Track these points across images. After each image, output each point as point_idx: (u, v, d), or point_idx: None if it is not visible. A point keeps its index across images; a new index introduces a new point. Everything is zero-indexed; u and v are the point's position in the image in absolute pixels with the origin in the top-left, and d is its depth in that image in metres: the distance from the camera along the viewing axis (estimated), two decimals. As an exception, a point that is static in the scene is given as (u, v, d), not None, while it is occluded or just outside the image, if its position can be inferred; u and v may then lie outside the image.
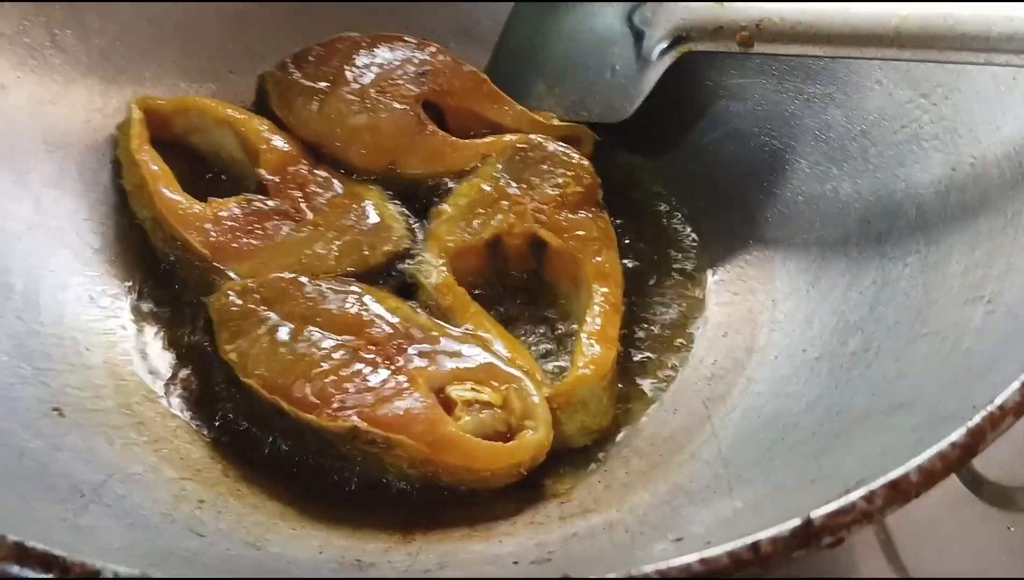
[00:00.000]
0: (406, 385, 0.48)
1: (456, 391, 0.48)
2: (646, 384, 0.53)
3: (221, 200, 0.56)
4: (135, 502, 0.44)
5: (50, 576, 0.29)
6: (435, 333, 0.51)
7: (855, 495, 0.32)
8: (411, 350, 0.49)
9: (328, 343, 0.49)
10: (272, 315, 0.50)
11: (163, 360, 0.53)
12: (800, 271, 0.54)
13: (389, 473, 0.47)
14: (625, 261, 0.56)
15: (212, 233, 0.54)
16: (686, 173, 0.61)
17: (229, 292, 0.51)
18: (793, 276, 0.55)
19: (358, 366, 0.48)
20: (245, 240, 0.55)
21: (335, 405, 0.47)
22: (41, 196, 0.55)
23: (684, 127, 0.62)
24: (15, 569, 0.29)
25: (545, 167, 0.57)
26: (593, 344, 0.51)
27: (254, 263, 0.54)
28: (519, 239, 0.55)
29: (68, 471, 0.43)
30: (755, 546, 0.30)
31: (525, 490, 0.49)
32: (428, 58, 0.61)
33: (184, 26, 0.62)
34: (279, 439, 0.49)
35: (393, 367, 0.49)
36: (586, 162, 0.57)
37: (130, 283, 0.55)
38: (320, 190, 0.57)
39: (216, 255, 0.54)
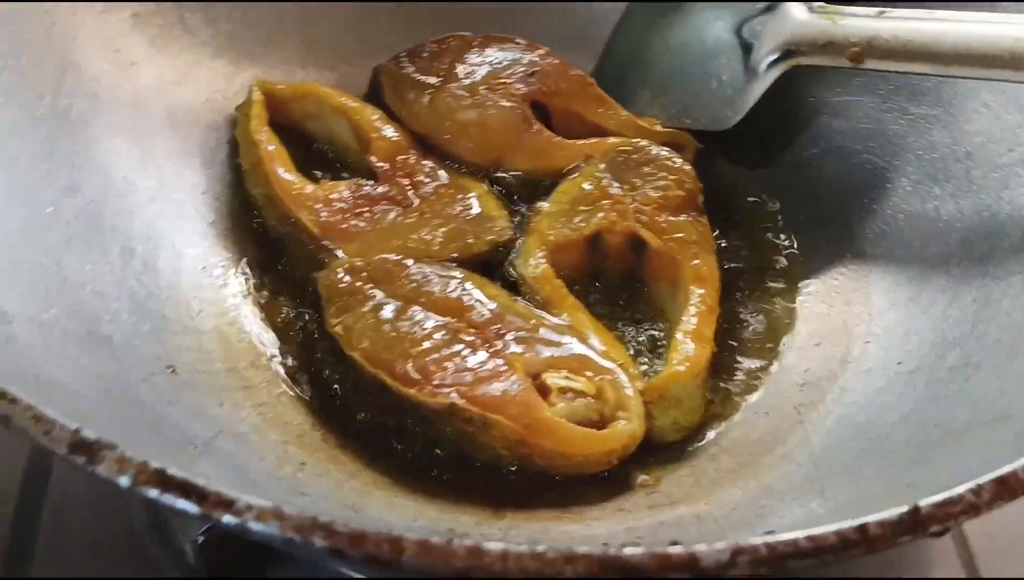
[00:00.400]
0: (504, 368, 0.49)
1: (552, 378, 0.49)
2: (737, 386, 0.54)
3: (332, 182, 0.58)
4: (242, 459, 0.46)
5: (187, 502, 0.30)
6: (533, 321, 0.52)
7: (963, 488, 0.32)
8: (509, 336, 0.51)
9: (430, 323, 0.51)
10: (378, 293, 0.52)
11: (269, 329, 0.55)
12: (898, 286, 0.55)
13: (483, 453, 0.49)
14: (722, 266, 0.57)
15: (323, 213, 0.56)
16: (786, 185, 0.62)
17: (338, 269, 0.53)
18: (891, 291, 0.55)
19: (458, 347, 0.50)
20: (353, 222, 0.56)
21: (435, 382, 0.48)
22: (164, 169, 0.57)
23: (786, 140, 0.63)
24: (155, 493, 0.31)
25: (648, 169, 0.58)
26: (688, 342, 0.52)
27: (361, 244, 0.56)
28: (620, 237, 0.56)
29: (181, 425, 0.45)
30: (863, 527, 0.31)
31: (613, 480, 0.49)
32: (537, 59, 0.63)
33: (307, 17, 0.65)
34: (378, 412, 0.50)
35: (492, 350, 0.50)
36: (688, 167, 0.59)
37: (241, 256, 0.57)
38: (427, 179, 0.59)
39: (325, 234, 0.56)
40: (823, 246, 0.59)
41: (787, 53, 0.59)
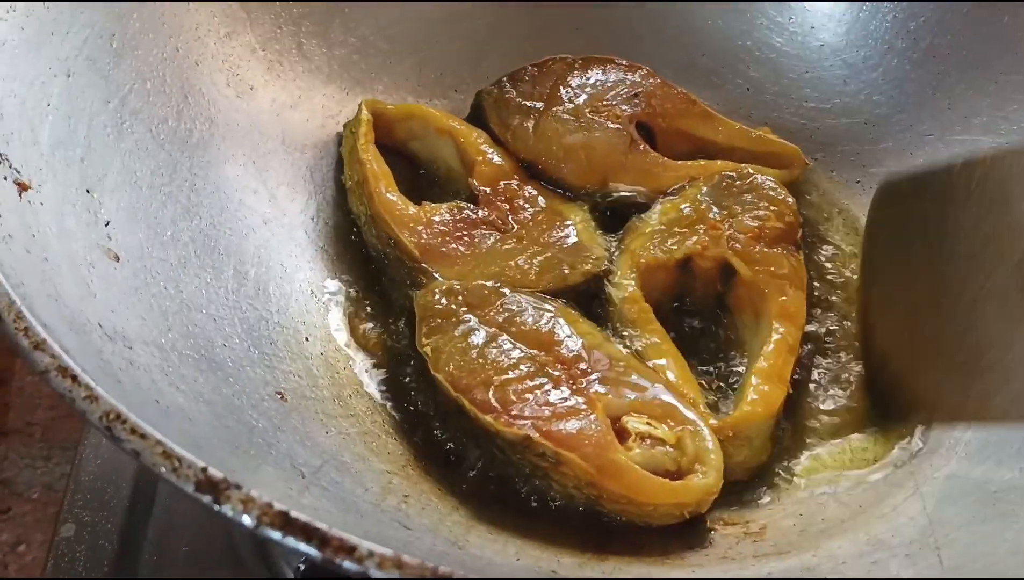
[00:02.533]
0: (584, 406, 0.49)
1: (632, 422, 0.49)
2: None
3: (434, 205, 0.59)
4: (348, 488, 0.46)
5: (309, 546, 0.31)
6: (623, 364, 0.51)
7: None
8: (595, 375, 0.50)
9: (517, 353, 0.51)
10: (471, 318, 0.53)
11: (373, 356, 0.55)
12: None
13: (554, 490, 0.48)
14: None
15: (424, 235, 0.57)
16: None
17: (436, 290, 0.54)
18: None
19: (541, 380, 0.50)
20: (453, 245, 0.57)
21: (513, 412, 0.48)
22: (277, 193, 0.59)
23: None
24: (278, 535, 0.31)
25: (749, 197, 0.58)
26: (764, 382, 0.51)
27: (460, 268, 0.56)
28: (710, 262, 0.56)
29: (290, 452, 0.46)
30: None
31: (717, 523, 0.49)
32: (639, 80, 0.63)
33: (419, 45, 0.66)
34: (457, 435, 0.51)
35: (575, 387, 0.50)
36: (791, 200, 0.58)
37: (348, 280, 0.58)
38: (527, 205, 0.59)
39: (425, 256, 0.56)
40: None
41: None
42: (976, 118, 0.61)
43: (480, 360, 0.51)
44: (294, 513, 0.31)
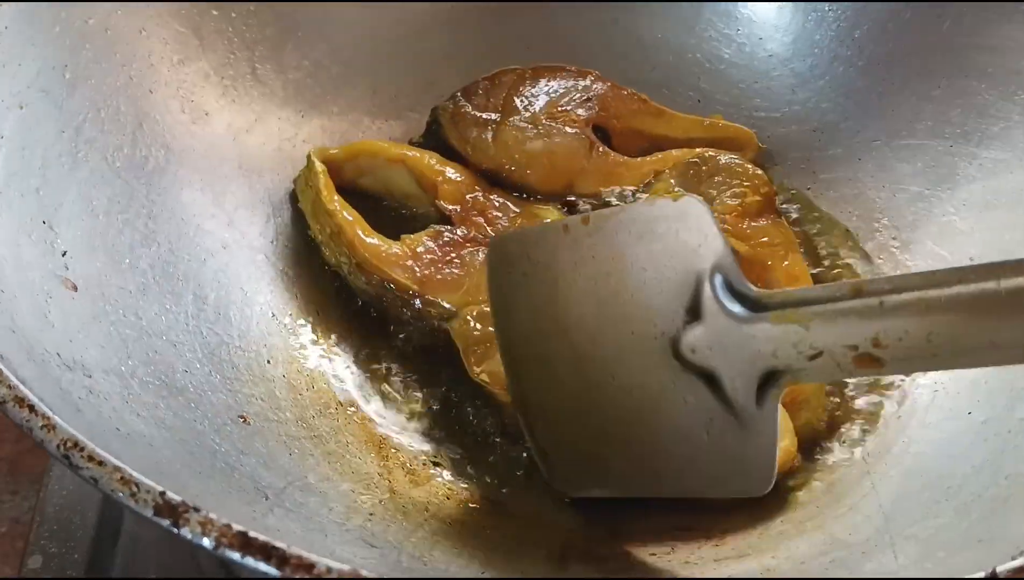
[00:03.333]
0: None
1: None
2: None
3: (412, 236, 0.59)
4: (312, 509, 0.46)
5: (268, 565, 0.31)
6: None
7: (1042, 554, 0.32)
8: None
9: None
10: None
11: (337, 377, 0.56)
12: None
13: None
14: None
15: (416, 269, 0.57)
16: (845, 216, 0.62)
17: (467, 318, 0.54)
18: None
19: None
20: (447, 270, 0.57)
21: None
22: (235, 216, 0.59)
23: (849, 173, 0.63)
24: (236, 556, 0.31)
25: (720, 179, 0.59)
26: None
27: (464, 290, 0.56)
28: None
29: (253, 475, 0.46)
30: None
31: (677, 531, 0.49)
32: (590, 84, 0.65)
33: (370, 67, 0.66)
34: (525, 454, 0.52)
35: None
36: (760, 171, 0.60)
37: (308, 302, 0.58)
38: (499, 213, 0.60)
39: (425, 288, 0.56)
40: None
41: (769, 378, 0.40)
42: (921, 123, 0.62)
43: None
44: (252, 533, 0.31)
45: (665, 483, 0.45)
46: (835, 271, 0.60)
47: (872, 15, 0.64)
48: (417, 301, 0.56)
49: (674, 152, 0.62)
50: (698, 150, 0.62)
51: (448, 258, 0.58)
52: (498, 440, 0.53)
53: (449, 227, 0.59)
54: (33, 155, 0.49)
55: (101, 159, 0.53)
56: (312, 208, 0.60)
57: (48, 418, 0.34)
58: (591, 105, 0.63)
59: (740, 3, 0.68)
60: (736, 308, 0.40)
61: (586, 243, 0.44)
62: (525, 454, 0.52)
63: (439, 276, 0.57)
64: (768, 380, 0.40)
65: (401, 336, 0.58)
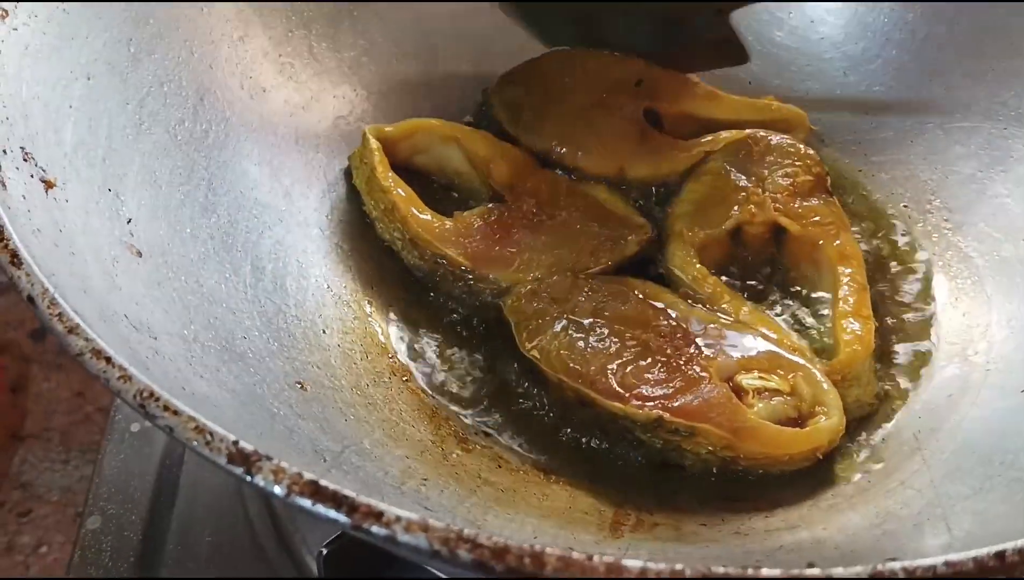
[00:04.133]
0: (701, 374, 0.50)
1: (746, 380, 0.50)
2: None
3: (466, 213, 0.59)
4: (369, 472, 0.47)
5: (339, 513, 0.32)
6: (714, 325, 0.53)
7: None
8: (697, 341, 0.52)
9: (619, 337, 0.52)
10: (564, 313, 0.53)
11: (390, 348, 0.56)
12: (1019, 313, 0.54)
13: (686, 458, 0.50)
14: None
15: (468, 245, 0.58)
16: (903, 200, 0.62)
17: (520, 296, 0.55)
18: (1012, 318, 0.54)
19: (653, 357, 0.51)
20: (499, 248, 0.58)
21: (638, 394, 0.49)
22: (291, 191, 0.60)
23: (903, 157, 0.63)
24: (308, 503, 0.32)
25: (771, 159, 0.59)
26: (852, 321, 0.53)
27: (516, 267, 0.57)
28: (761, 228, 0.58)
29: (312, 438, 0.47)
30: (1000, 554, 0.31)
31: (727, 501, 0.50)
32: (639, 68, 0.65)
33: (423, 47, 0.67)
34: (581, 429, 0.52)
35: (684, 357, 0.51)
36: (811, 151, 0.60)
37: (362, 275, 0.59)
38: (551, 194, 0.60)
39: (477, 264, 0.57)
40: (941, 272, 0.58)
41: None
42: (974, 104, 0.62)
43: (589, 351, 0.52)
44: (323, 482, 0.32)
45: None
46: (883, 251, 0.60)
47: (925, -3, 0.64)
48: (470, 277, 0.57)
49: (724, 133, 0.62)
50: (748, 131, 0.62)
51: (500, 236, 0.58)
52: (546, 413, 0.54)
53: (502, 205, 0.60)
54: (99, 125, 0.50)
55: (164, 131, 0.54)
56: (367, 185, 0.60)
57: (125, 370, 0.35)
58: (641, 89, 0.64)
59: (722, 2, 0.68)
60: None
61: None
62: (570, 429, 0.53)
63: (491, 253, 0.58)
64: None
65: (453, 311, 0.58)
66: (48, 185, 0.45)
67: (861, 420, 0.53)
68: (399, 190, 0.59)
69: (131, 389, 0.34)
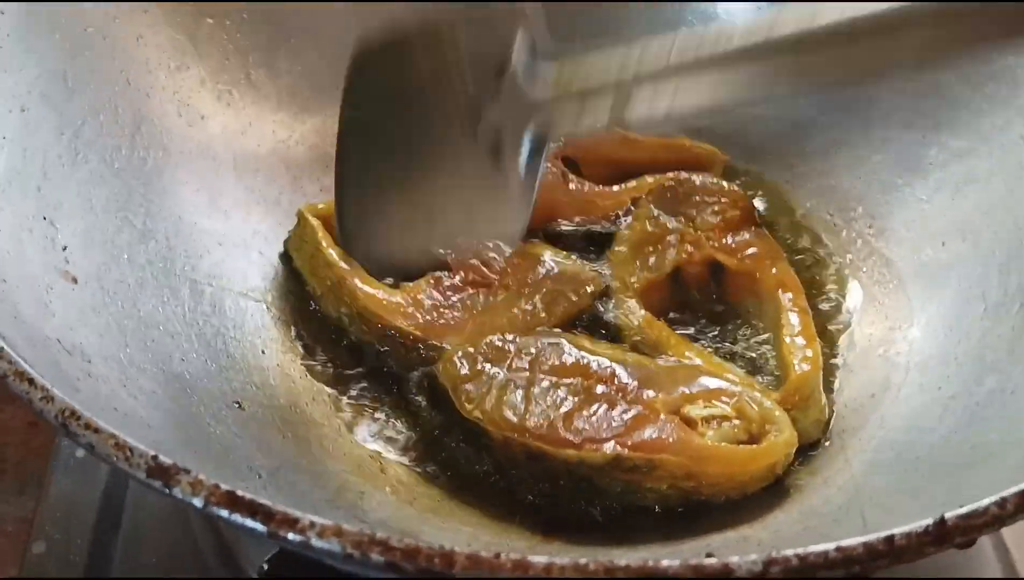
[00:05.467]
0: (647, 412, 0.50)
1: (693, 410, 0.51)
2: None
3: (412, 284, 0.58)
4: (304, 488, 0.48)
5: (255, 522, 0.33)
6: (652, 366, 0.54)
7: (988, 500, 0.33)
8: (637, 382, 0.52)
9: (562, 387, 0.52)
10: (500, 372, 0.53)
11: (328, 365, 0.57)
12: (939, 315, 0.56)
13: (647, 497, 0.50)
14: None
15: (419, 316, 0.57)
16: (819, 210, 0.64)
17: (454, 360, 0.54)
18: (931, 320, 0.56)
19: (597, 403, 0.51)
20: (450, 314, 0.57)
21: (591, 438, 0.50)
22: (230, 215, 0.61)
23: (824, 166, 0.65)
24: (224, 513, 0.33)
25: (697, 198, 0.61)
26: (800, 342, 0.55)
27: (469, 332, 0.56)
28: (699, 266, 0.59)
29: (248, 456, 0.48)
30: (890, 539, 0.32)
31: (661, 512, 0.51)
32: None
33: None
34: (529, 484, 0.51)
35: (629, 398, 0.51)
36: (735, 186, 0.62)
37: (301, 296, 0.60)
38: (495, 255, 0.60)
39: (429, 334, 0.56)
40: (865, 278, 0.60)
41: (538, 141, 0.52)
42: (896, 114, 0.64)
43: (532, 405, 0.51)
44: (240, 492, 0.33)
45: (437, 236, 0.57)
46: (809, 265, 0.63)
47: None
48: (420, 346, 0.56)
49: (648, 178, 0.64)
50: (671, 174, 0.63)
51: (449, 303, 0.58)
52: (496, 477, 0.52)
53: (447, 273, 0.59)
54: (34, 155, 0.51)
55: (100, 160, 0.55)
56: (310, 264, 0.59)
57: (47, 390, 0.36)
58: (560, 138, 0.65)
59: (719, 3, 0.70)
60: (527, 77, 0.50)
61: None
62: (522, 489, 0.51)
63: (442, 321, 0.57)
64: (536, 146, 0.51)
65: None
66: (-21, 215, 0.46)
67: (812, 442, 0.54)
68: (344, 264, 0.58)
69: (53, 409, 0.35)
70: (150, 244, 0.56)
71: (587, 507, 0.50)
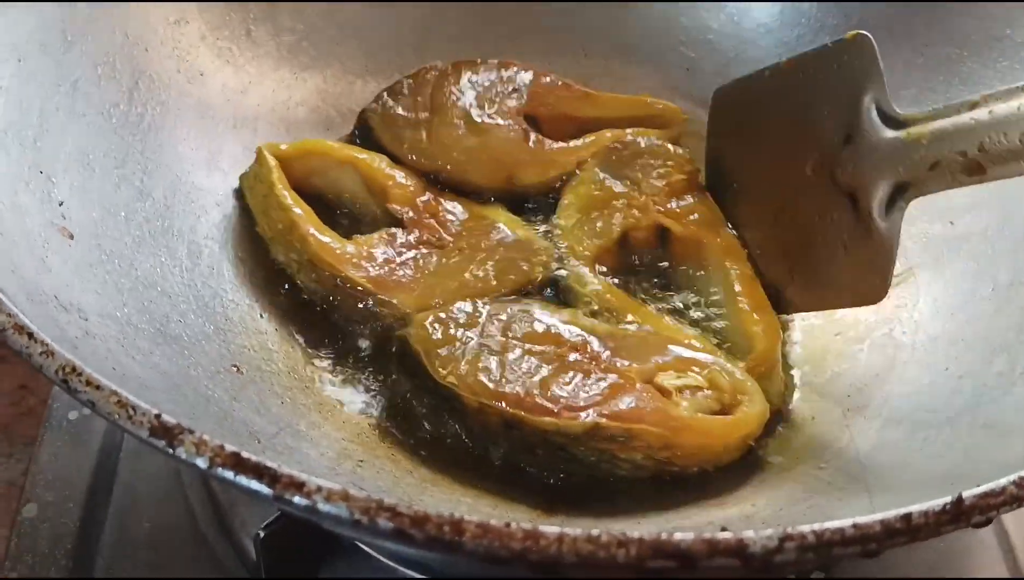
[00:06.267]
0: (623, 381, 0.50)
1: (667, 380, 0.51)
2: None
3: (366, 237, 0.58)
4: (304, 453, 0.47)
5: (260, 483, 0.32)
6: (621, 334, 0.53)
7: (1005, 480, 0.33)
8: (609, 351, 0.52)
9: (535, 354, 0.51)
10: (473, 337, 0.52)
11: (326, 333, 0.56)
12: (946, 295, 0.55)
13: (621, 468, 0.49)
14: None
15: (370, 269, 0.56)
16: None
17: (425, 324, 0.53)
18: (938, 299, 0.56)
19: (572, 371, 0.51)
20: (402, 272, 0.57)
21: (569, 406, 0.49)
22: (229, 175, 0.60)
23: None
24: (229, 474, 0.32)
25: (643, 161, 0.60)
26: (757, 313, 0.54)
27: (420, 292, 0.56)
28: (646, 232, 0.58)
29: (246, 420, 0.47)
30: (907, 517, 0.32)
31: (660, 482, 0.50)
32: (514, 75, 0.65)
33: (363, 29, 0.67)
34: (508, 452, 0.50)
35: (603, 366, 0.51)
36: (682, 150, 0.61)
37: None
38: (450, 216, 0.60)
39: (379, 289, 0.56)
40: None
41: (899, 190, 0.49)
42: (905, 90, 0.62)
43: (508, 372, 0.51)
44: (245, 454, 0.32)
45: (812, 297, 0.55)
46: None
47: (858, -15, 0.65)
48: (370, 300, 0.56)
49: (607, 133, 0.63)
50: (624, 131, 0.63)
51: (402, 260, 0.57)
52: (470, 445, 0.51)
53: (401, 230, 0.59)
54: (31, 107, 0.50)
55: (98, 113, 0.54)
56: (263, 204, 0.58)
57: (47, 344, 0.35)
58: (519, 95, 0.64)
59: (735, 3, 0.69)
60: (881, 129, 0.50)
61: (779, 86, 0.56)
62: (497, 456, 0.51)
63: (393, 277, 0.56)
64: (896, 194, 0.49)
65: (352, 335, 0.56)
66: (-24, 165, 0.45)
67: (778, 413, 0.53)
68: (298, 209, 0.57)
69: (53, 365, 0.34)
70: (147, 202, 0.55)
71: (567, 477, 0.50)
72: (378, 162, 0.61)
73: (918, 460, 0.46)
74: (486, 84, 0.65)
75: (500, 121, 0.63)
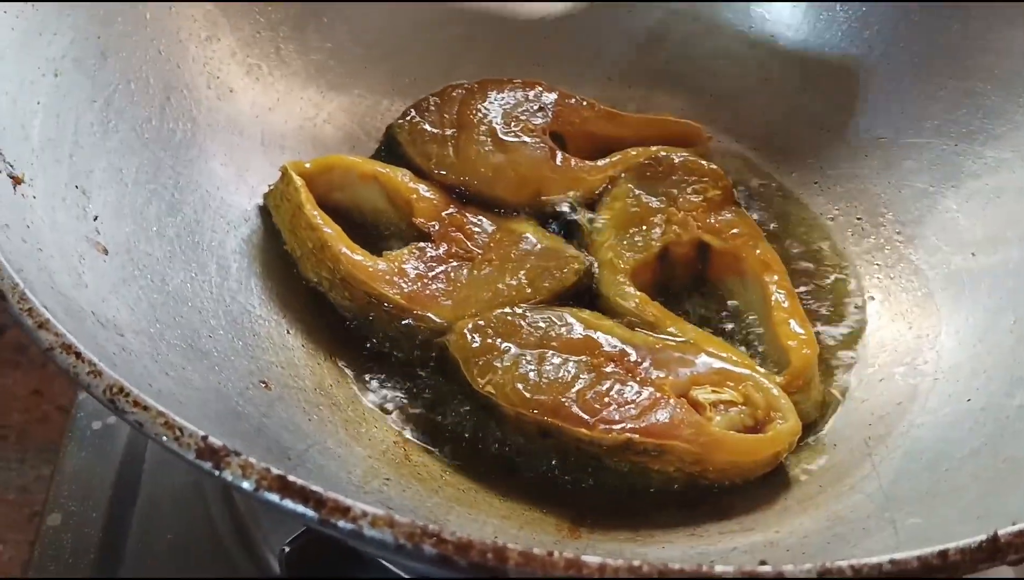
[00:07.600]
0: (658, 395, 0.51)
1: (701, 394, 0.51)
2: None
3: (396, 253, 0.58)
4: (332, 471, 0.48)
5: (306, 507, 0.32)
6: (659, 345, 0.54)
7: (1042, 519, 0.33)
8: (646, 363, 0.52)
9: (572, 364, 0.52)
10: (511, 346, 0.53)
11: (352, 349, 0.57)
12: (967, 326, 0.56)
13: (653, 480, 0.50)
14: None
15: (403, 285, 0.56)
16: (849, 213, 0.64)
17: (464, 332, 0.54)
18: (959, 330, 0.56)
19: (608, 381, 0.51)
20: (434, 286, 0.57)
21: (604, 418, 0.50)
22: (257, 191, 0.60)
23: (852, 172, 0.65)
24: (275, 498, 0.33)
25: (677, 177, 0.61)
26: (793, 326, 0.55)
27: (454, 304, 0.56)
28: (686, 247, 0.59)
29: (276, 437, 0.48)
30: (943, 554, 0.32)
31: (682, 504, 0.51)
32: (539, 93, 0.66)
33: (391, 50, 0.68)
34: (538, 460, 0.51)
35: (638, 379, 0.51)
36: (715, 166, 0.62)
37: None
38: (478, 229, 0.60)
39: (414, 304, 0.56)
40: (893, 285, 0.60)
41: None
42: (927, 122, 0.64)
43: (545, 381, 0.51)
44: (291, 477, 0.33)
45: None
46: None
47: (882, 17, 0.66)
48: (407, 317, 0.56)
49: (633, 152, 0.63)
50: (652, 149, 0.63)
51: (433, 274, 0.57)
52: (505, 450, 0.52)
53: (430, 244, 0.59)
54: (67, 122, 0.51)
55: (130, 129, 0.55)
56: (291, 222, 0.58)
57: (94, 365, 0.35)
58: (545, 114, 0.65)
59: (755, 3, 0.69)
60: None
61: None
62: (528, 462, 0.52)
63: (427, 292, 0.56)
64: None
65: (391, 355, 0.57)
66: (16, 181, 0.45)
67: (811, 426, 0.54)
68: (328, 229, 0.57)
69: (101, 384, 0.35)
70: (178, 217, 0.55)
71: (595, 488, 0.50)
72: (401, 176, 0.61)
73: (943, 493, 0.46)
74: (512, 102, 0.65)
75: (527, 138, 0.63)
